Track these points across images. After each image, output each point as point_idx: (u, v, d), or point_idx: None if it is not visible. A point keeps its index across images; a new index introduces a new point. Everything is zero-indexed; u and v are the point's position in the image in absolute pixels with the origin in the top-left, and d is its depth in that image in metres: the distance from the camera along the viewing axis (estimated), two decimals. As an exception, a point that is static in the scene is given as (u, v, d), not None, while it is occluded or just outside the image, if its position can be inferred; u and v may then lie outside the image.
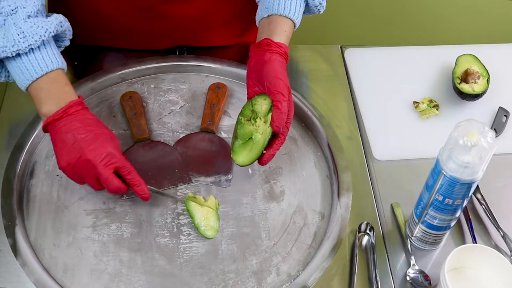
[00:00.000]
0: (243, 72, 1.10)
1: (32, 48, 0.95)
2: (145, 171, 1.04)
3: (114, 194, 0.99)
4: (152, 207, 1.02)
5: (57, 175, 1.05)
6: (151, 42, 1.24)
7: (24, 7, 0.95)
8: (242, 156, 1.01)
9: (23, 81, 0.96)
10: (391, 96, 1.23)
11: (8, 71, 0.99)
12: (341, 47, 1.31)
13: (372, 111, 1.20)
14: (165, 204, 1.03)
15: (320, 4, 1.09)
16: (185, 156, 1.09)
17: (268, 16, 1.05)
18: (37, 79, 0.95)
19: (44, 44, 0.96)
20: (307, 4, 1.09)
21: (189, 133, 1.13)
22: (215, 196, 1.03)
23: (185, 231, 1.00)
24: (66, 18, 1.01)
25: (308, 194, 1.06)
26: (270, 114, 0.98)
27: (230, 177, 1.07)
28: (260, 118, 1.00)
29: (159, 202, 1.03)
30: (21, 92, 0.98)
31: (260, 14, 1.07)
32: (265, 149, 1.00)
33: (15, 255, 0.94)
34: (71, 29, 1.04)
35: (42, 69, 0.95)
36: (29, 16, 0.95)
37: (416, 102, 1.21)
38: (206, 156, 1.10)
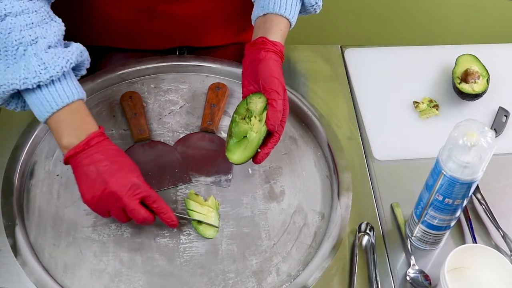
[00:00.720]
0: (243, 72, 1.10)
1: (53, 80, 0.91)
2: (145, 171, 1.04)
3: (141, 224, 0.95)
4: (152, 207, 1.02)
5: (57, 175, 1.05)
6: (151, 42, 1.24)
7: (44, 37, 0.92)
8: (236, 154, 1.01)
9: (42, 112, 0.92)
10: (391, 96, 1.23)
11: (24, 102, 0.95)
12: (341, 47, 1.31)
13: (372, 111, 1.20)
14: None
15: (316, 3, 1.09)
16: (185, 156, 1.09)
17: (264, 15, 1.05)
18: (57, 110, 0.92)
19: (64, 75, 0.93)
20: (303, 4, 1.09)
21: (189, 133, 1.13)
22: (215, 196, 1.03)
23: (185, 231, 1.00)
24: (85, 48, 0.98)
25: (308, 194, 1.06)
26: (265, 113, 0.98)
27: (230, 177, 1.07)
28: (255, 117, 1.00)
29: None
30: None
31: (255, 13, 1.07)
32: (259, 148, 1.00)
33: (15, 255, 0.94)
34: (89, 59, 1.00)
35: (63, 101, 0.92)
36: (49, 47, 0.92)
37: (416, 102, 1.21)
38: (206, 156, 1.10)
